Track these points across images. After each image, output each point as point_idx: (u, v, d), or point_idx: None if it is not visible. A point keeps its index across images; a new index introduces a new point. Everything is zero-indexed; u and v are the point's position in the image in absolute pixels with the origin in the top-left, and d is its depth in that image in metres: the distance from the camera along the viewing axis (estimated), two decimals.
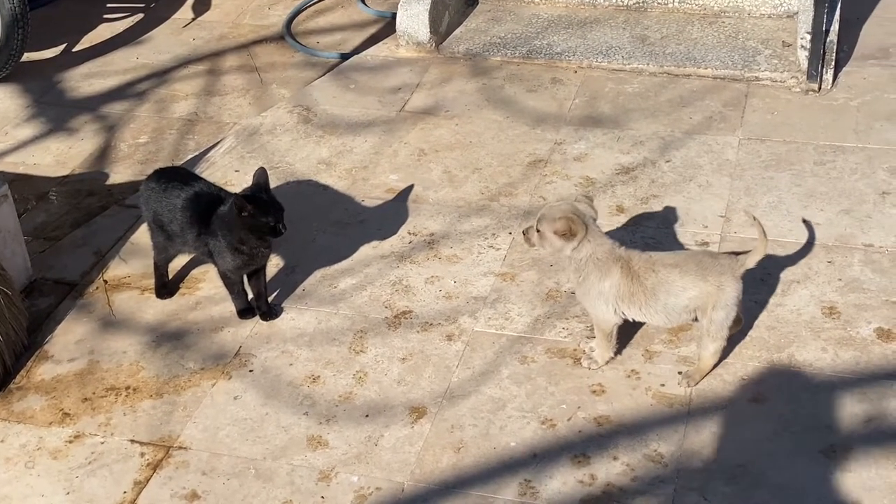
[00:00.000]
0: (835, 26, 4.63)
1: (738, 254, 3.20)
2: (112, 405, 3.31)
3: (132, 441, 3.19)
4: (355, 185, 4.24)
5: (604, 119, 4.51)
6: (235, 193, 3.40)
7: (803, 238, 3.75)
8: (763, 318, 3.43)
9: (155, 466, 3.10)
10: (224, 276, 3.56)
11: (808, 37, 4.49)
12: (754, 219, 3.27)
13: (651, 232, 3.84)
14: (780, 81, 4.62)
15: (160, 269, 3.73)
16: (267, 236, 3.40)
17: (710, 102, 4.55)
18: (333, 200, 4.17)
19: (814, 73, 4.52)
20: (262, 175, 3.46)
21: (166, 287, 3.75)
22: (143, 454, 3.14)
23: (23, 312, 3.55)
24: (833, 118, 4.38)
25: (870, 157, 4.13)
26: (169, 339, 3.57)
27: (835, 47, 4.61)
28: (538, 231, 3.18)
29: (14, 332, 3.48)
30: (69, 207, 4.35)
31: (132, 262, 3.92)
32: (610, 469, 2.98)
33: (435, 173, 4.29)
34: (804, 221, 3.81)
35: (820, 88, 4.54)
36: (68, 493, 3.03)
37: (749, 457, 2.97)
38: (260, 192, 3.41)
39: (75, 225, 4.21)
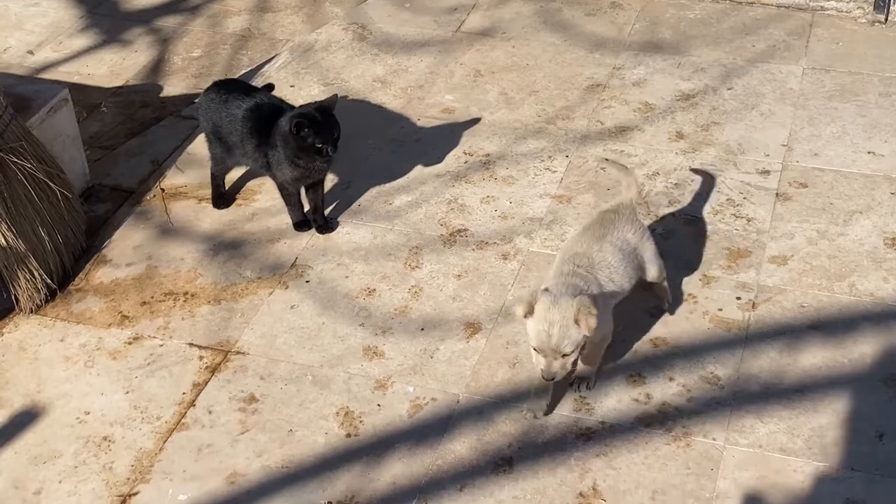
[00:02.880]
0: None
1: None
2: (170, 309, 3.35)
3: (191, 345, 3.23)
4: (411, 105, 4.22)
5: (664, 45, 4.45)
6: (294, 109, 3.40)
7: (867, 169, 3.70)
8: (824, 246, 3.40)
9: (213, 370, 3.14)
10: (281, 188, 3.57)
11: None
12: (606, 160, 3.28)
13: (710, 159, 3.80)
14: (846, 12, 4.53)
15: (217, 179, 3.75)
16: (316, 156, 3.41)
17: (774, 31, 4.47)
18: (389, 119, 4.16)
19: (881, 3, 4.43)
20: (331, 98, 3.45)
21: (223, 197, 3.77)
22: (201, 357, 3.18)
23: (81, 216, 3.59)
24: None
25: None
26: (226, 248, 3.59)
27: None
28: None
29: (73, 235, 3.51)
30: (123, 118, 4.36)
31: (189, 172, 3.94)
32: (665, 389, 2.98)
33: (491, 95, 4.25)
34: (868, 153, 3.76)
35: (887, 20, 4.45)
36: (127, 393, 3.08)
37: (807, 383, 2.96)
38: (319, 112, 3.39)
39: (130, 135, 4.22)
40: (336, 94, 3.50)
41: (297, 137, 3.36)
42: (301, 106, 3.54)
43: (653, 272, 3.10)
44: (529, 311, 2.70)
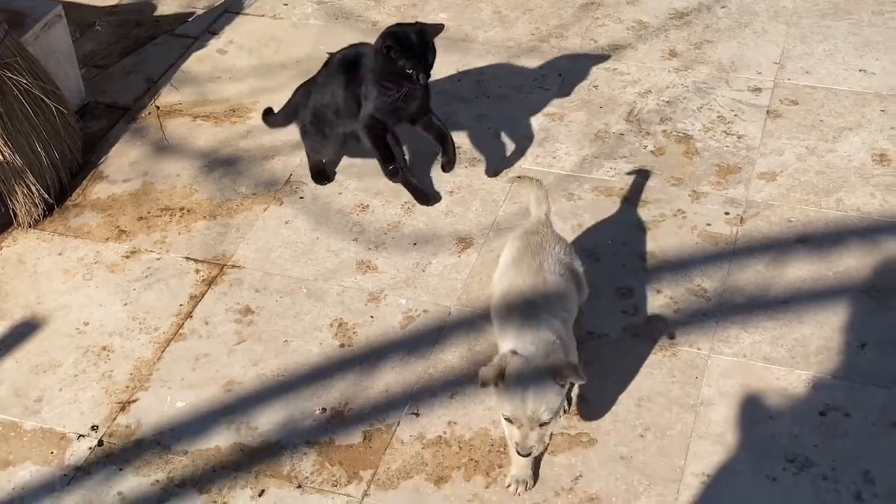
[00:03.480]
0: None
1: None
2: (167, 224, 3.40)
3: (187, 258, 3.28)
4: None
5: None
6: (388, 28, 3.25)
7: (858, 87, 3.72)
8: (813, 162, 3.43)
9: (210, 282, 3.19)
10: (368, 124, 3.34)
11: None
12: (518, 178, 3.06)
13: (703, 77, 3.82)
14: None
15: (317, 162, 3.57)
16: (405, 81, 3.20)
17: None
18: None
19: None
20: (437, 25, 3.25)
21: (324, 174, 3.56)
22: (197, 271, 3.24)
23: (77, 132, 3.61)
24: None
25: None
26: (221, 164, 3.62)
27: None
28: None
29: (69, 151, 3.55)
30: (117, 37, 4.35)
31: (184, 90, 3.96)
32: (653, 301, 3.04)
33: (485, 13, 4.25)
34: (860, 70, 3.78)
35: None
36: (125, 304, 3.14)
37: (792, 295, 3.02)
38: (415, 34, 3.17)
39: (124, 53, 4.22)
40: (442, 24, 3.26)
41: (386, 57, 3.16)
42: (398, 24, 3.32)
43: (584, 292, 2.83)
44: (499, 377, 2.39)
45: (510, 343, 2.49)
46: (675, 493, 2.55)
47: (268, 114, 3.65)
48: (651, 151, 3.53)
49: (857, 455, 2.60)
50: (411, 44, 3.15)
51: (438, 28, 3.23)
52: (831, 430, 2.66)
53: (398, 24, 3.28)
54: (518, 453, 2.43)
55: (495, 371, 2.39)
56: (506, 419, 2.43)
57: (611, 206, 3.36)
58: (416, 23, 3.28)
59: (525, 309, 2.58)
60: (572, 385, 2.60)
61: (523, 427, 2.38)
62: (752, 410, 2.72)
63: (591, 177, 3.46)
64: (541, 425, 2.38)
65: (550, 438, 2.56)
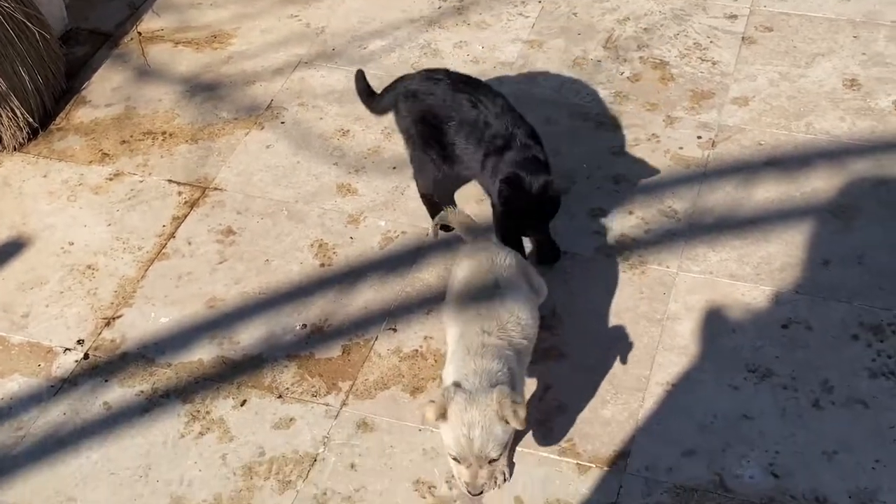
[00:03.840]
0: None
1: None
2: (149, 148, 3.46)
3: (169, 181, 3.35)
4: None
5: None
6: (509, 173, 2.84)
7: (832, 13, 3.77)
8: (784, 87, 3.50)
9: (192, 204, 3.26)
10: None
11: None
12: (442, 213, 2.84)
13: (680, 4, 3.86)
14: None
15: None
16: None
17: None
18: None
19: None
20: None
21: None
22: (180, 193, 3.31)
23: (60, 57, 3.66)
24: None
25: None
26: (202, 90, 3.67)
27: None
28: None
29: (53, 76, 3.59)
30: None
31: (165, 16, 3.99)
32: (624, 222, 3.12)
33: None
34: None
35: None
36: (109, 225, 3.22)
37: (760, 215, 3.10)
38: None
39: None
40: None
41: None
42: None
43: (543, 292, 2.72)
44: (442, 415, 2.27)
45: (453, 372, 2.37)
46: (640, 400, 2.65)
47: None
48: (627, 78, 3.59)
49: (818, 365, 2.70)
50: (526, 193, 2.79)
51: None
52: (793, 342, 2.76)
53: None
54: (469, 493, 2.29)
55: (438, 409, 2.26)
56: (452, 458, 2.30)
57: (587, 131, 3.42)
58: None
59: (475, 333, 2.42)
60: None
61: (472, 466, 2.26)
62: (717, 324, 2.82)
63: (568, 102, 3.52)
64: (490, 462, 2.26)
65: (505, 475, 2.50)
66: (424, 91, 3.03)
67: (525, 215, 2.84)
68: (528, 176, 2.77)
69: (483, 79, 3.58)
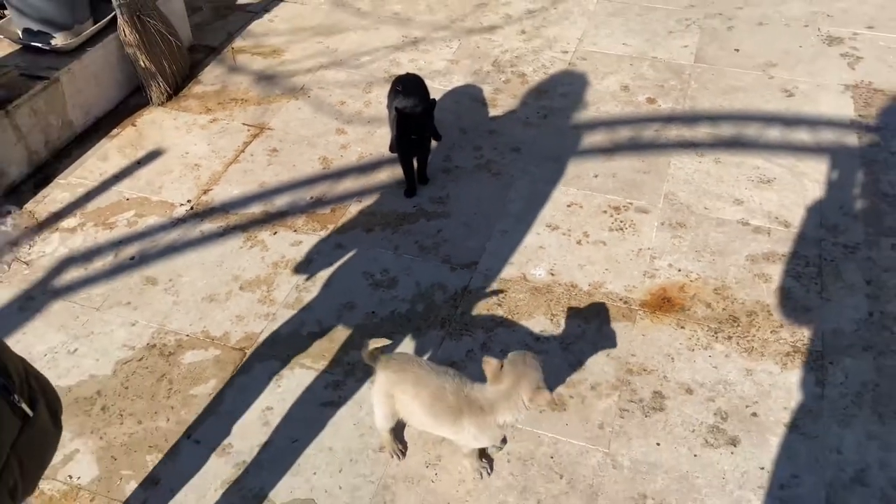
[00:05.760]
0: None
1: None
2: (234, 107, 3.81)
3: (243, 124, 3.71)
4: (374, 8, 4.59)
5: None
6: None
7: (620, 52, 4.13)
8: (586, 90, 3.85)
9: (255, 136, 3.62)
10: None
11: None
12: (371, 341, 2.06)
13: (538, 45, 4.21)
14: None
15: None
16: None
17: None
18: None
19: None
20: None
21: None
22: (249, 130, 3.66)
23: (186, 58, 3.99)
24: None
25: (668, 12, 4.43)
26: (265, 78, 3.96)
27: None
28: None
29: (182, 67, 3.92)
30: (212, 12, 4.70)
31: (248, 39, 4.27)
32: (492, 152, 3.49)
33: (421, 6, 4.56)
34: (623, 44, 4.21)
35: None
36: (208, 144, 3.58)
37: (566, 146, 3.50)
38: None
39: (216, 19, 4.56)
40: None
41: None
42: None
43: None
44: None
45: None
46: (488, 238, 3.07)
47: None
48: (504, 81, 3.92)
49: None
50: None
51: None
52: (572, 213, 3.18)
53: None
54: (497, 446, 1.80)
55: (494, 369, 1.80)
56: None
57: (478, 107, 3.75)
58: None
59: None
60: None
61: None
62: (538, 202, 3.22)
63: (469, 92, 3.84)
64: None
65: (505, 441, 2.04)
66: (393, 91, 3.35)
67: (404, 127, 2.98)
68: (407, 108, 3.03)
69: (424, 79, 3.99)
